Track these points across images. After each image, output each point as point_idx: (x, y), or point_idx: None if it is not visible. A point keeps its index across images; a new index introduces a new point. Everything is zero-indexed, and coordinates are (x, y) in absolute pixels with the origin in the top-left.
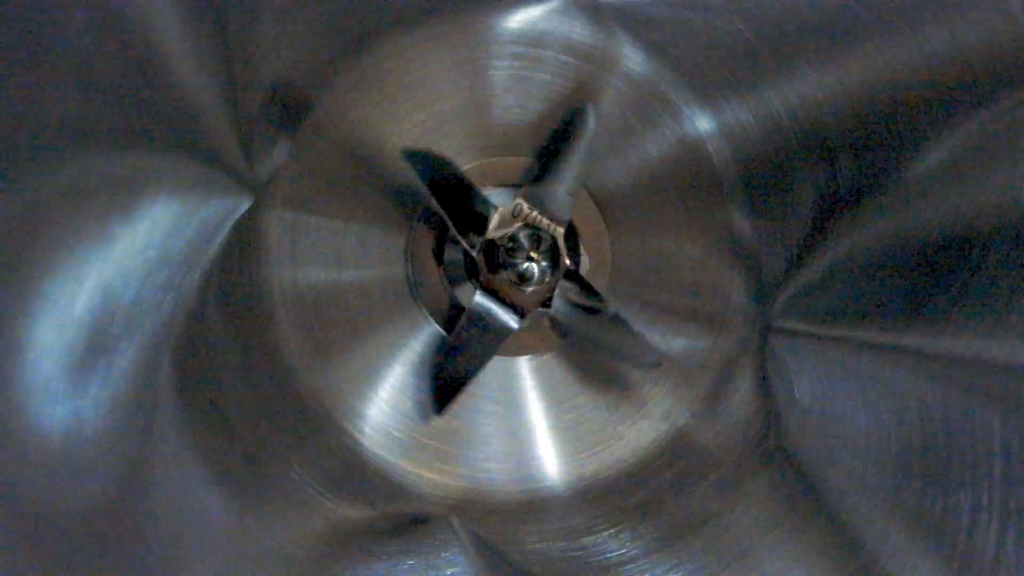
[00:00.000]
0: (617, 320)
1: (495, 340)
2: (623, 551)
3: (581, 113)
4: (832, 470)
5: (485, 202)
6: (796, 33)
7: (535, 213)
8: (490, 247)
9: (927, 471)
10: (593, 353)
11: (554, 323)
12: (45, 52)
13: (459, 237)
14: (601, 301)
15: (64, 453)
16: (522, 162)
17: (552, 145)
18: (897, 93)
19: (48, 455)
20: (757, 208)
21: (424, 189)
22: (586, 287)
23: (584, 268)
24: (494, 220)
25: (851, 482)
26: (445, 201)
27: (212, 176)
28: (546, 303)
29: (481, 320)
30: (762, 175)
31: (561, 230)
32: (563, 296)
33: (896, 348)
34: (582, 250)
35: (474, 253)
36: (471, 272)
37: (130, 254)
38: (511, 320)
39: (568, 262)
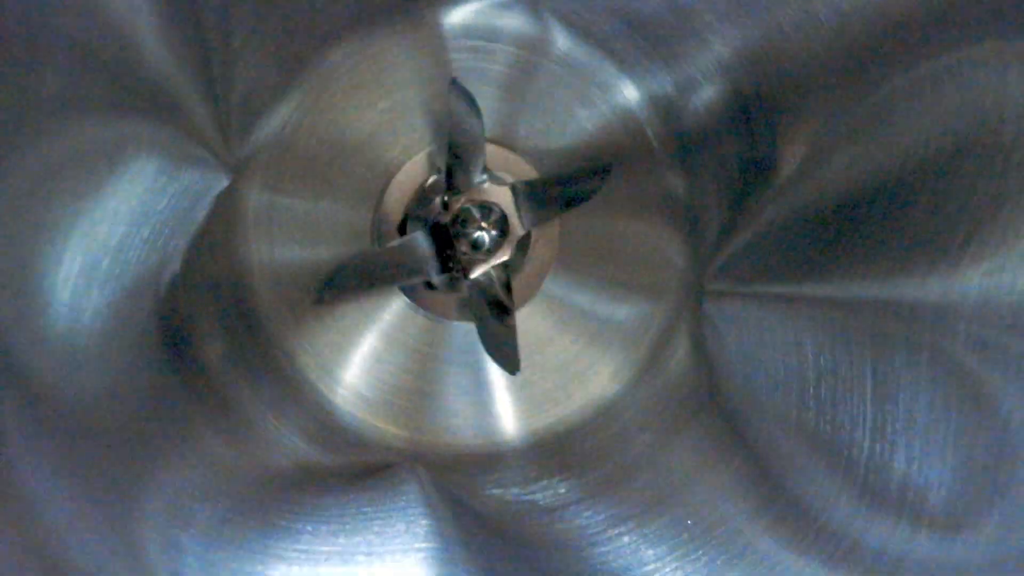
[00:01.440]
0: (561, 178)
1: (405, 269)
2: (570, 494)
3: (459, 91)
4: (751, 412)
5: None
6: (706, 7)
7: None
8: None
9: (819, 399)
10: (549, 310)
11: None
12: (44, 36)
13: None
14: (542, 182)
15: (66, 350)
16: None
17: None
18: (798, 60)
19: (54, 349)
20: (690, 177)
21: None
22: (529, 187)
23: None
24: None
25: (765, 419)
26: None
27: (190, 148)
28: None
29: (412, 248)
30: (691, 144)
31: (506, 192)
32: (483, 283)
33: (797, 299)
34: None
35: (447, 218)
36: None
37: (115, 203)
38: (432, 272)
39: (520, 228)
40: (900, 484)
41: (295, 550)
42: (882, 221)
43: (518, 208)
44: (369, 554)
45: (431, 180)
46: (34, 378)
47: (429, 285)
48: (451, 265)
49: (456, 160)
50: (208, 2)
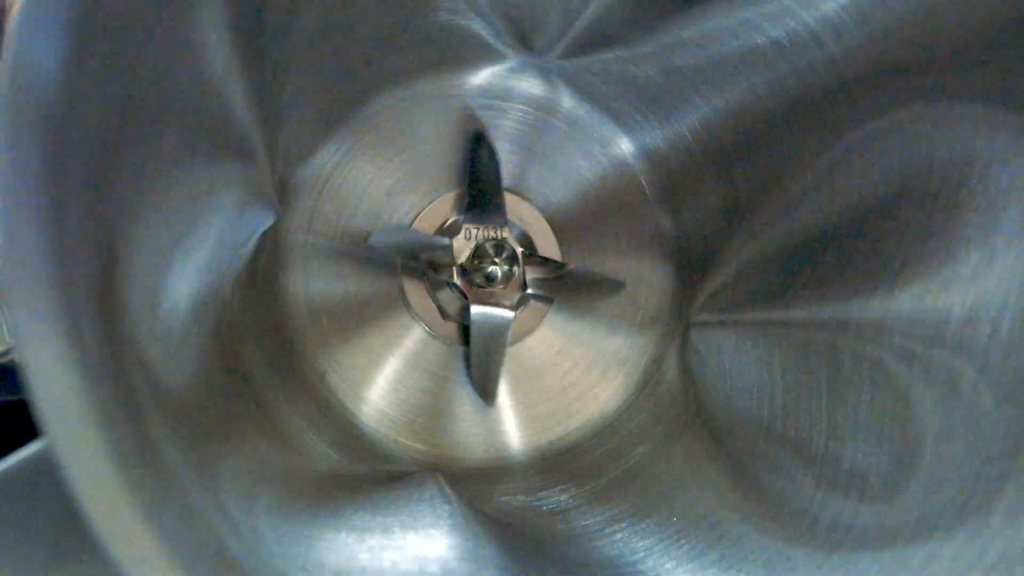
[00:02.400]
0: (579, 272)
1: (500, 334)
2: (571, 501)
3: (482, 141)
4: (731, 422)
5: (445, 244)
6: (691, 72)
7: (481, 231)
8: (463, 270)
9: (784, 407)
10: (548, 340)
11: (538, 298)
12: (166, 100)
13: (441, 280)
14: (561, 266)
15: (165, 343)
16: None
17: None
18: (768, 118)
19: (159, 341)
20: (678, 221)
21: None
22: (546, 261)
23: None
24: (456, 250)
25: (742, 428)
26: (415, 259)
27: (256, 190)
28: (524, 288)
29: (484, 325)
30: (679, 191)
31: (506, 232)
32: (535, 278)
33: (767, 324)
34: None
35: (456, 281)
36: (457, 290)
37: (205, 234)
38: (506, 313)
39: (521, 249)
40: (847, 471)
41: (342, 523)
42: (836, 255)
43: (524, 269)
44: (404, 528)
45: (450, 221)
46: (152, 366)
47: (445, 314)
48: (467, 296)
49: (477, 200)
50: (270, 63)
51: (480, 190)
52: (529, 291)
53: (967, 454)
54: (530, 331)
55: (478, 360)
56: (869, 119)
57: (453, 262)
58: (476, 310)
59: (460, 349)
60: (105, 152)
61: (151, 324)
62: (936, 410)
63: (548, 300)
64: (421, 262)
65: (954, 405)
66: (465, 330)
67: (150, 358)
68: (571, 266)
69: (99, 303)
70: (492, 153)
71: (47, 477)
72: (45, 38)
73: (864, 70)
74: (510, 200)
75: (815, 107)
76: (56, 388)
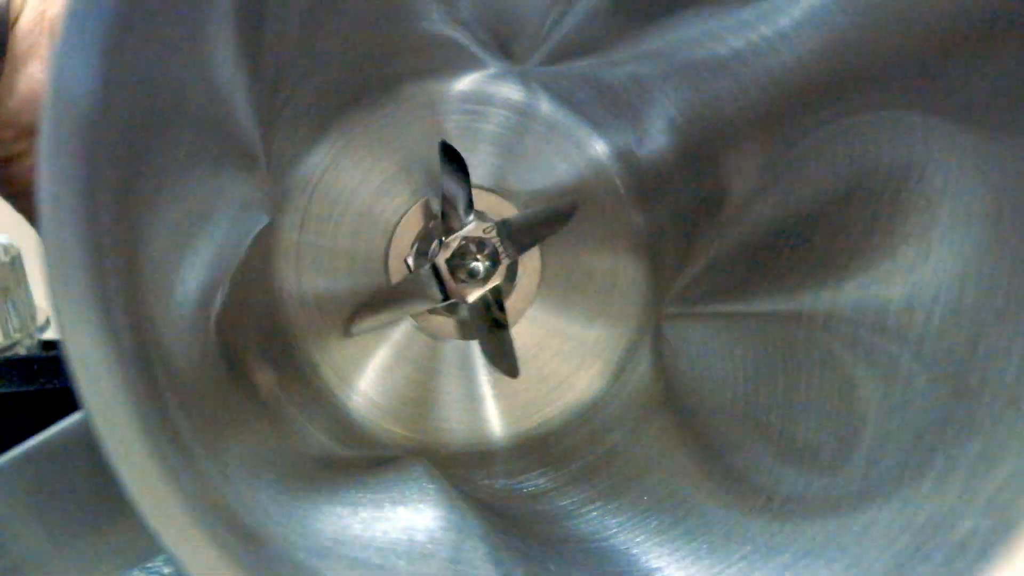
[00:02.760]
0: (504, 340)
1: (413, 298)
2: (549, 484)
3: (571, 209)
4: (699, 407)
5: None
6: (660, 79)
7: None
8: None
9: (747, 392)
10: (529, 329)
11: (460, 321)
12: (180, 108)
13: (438, 305)
14: (505, 323)
15: (176, 336)
16: (473, 191)
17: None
18: (729, 119)
19: (173, 332)
20: (650, 218)
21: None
22: (500, 306)
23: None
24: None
25: (709, 412)
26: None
27: (255, 194)
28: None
29: (418, 282)
30: (650, 190)
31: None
32: (480, 305)
33: (731, 315)
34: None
35: (447, 253)
36: (435, 273)
37: (211, 235)
38: (437, 300)
39: (506, 258)
40: (801, 447)
41: (336, 499)
42: (793, 250)
43: (502, 242)
44: (393, 502)
45: (433, 222)
46: (167, 352)
47: (431, 309)
48: (451, 292)
49: (448, 206)
50: (266, 73)
51: (449, 195)
52: (510, 259)
53: (903, 430)
54: (513, 323)
55: (490, 343)
56: (822, 124)
57: (428, 292)
58: (471, 297)
59: (445, 341)
60: (131, 160)
61: (166, 313)
62: (877, 390)
63: (517, 311)
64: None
65: (892, 385)
66: (459, 324)
67: (165, 345)
68: (524, 214)
69: (126, 293)
70: (458, 159)
71: (82, 449)
72: (82, 61)
73: (817, 80)
74: (491, 199)
75: (774, 113)
76: (94, 368)
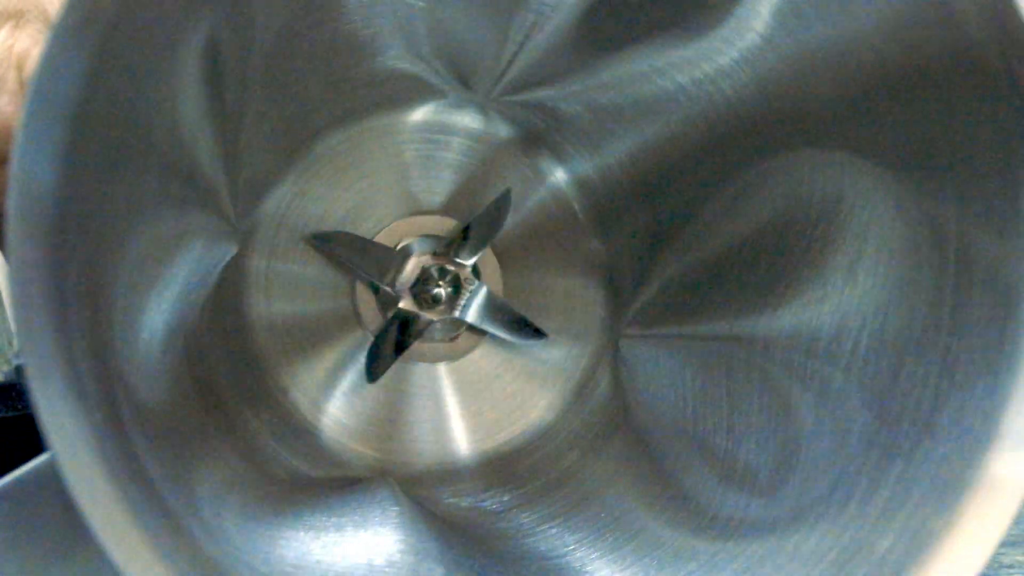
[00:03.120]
0: (513, 313)
1: (416, 329)
2: (512, 501)
3: (505, 198)
4: (653, 427)
5: (390, 252)
6: (613, 110)
7: (443, 258)
8: (413, 284)
9: (695, 413)
10: (493, 353)
11: (471, 327)
12: (147, 148)
13: (381, 285)
14: (500, 301)
15: (143, 372)
16: (435, 218)
17: (480, 217)
18: (680, 151)
19: (139, 371)
20: (608, 244)
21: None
22: (490, 296)
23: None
24: (409, 265)
25: (662, 431)
26: (357, 265)
27: (220, 227)
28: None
29: (402, 318)
30: (608, 217)
31: (467, 269)
32: (476, 308)
33: (681, 338)
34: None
35: (399, 295)
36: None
37: (176, 271)
38: (429, 315)
39: (469, 276)
40: (742, 469)
41: (300, 523)
42: (736, 278)
43: (457, 250)
44: (355, 526)
45: (401, 245)
46: (133, 389)
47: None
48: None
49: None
50: (230, 109)
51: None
52: (469, 320)
53: (833, 453)
54: (475, 345)
55: (510, 331)
56: (763, 159)
57: (394, 275)
58: (468, 314)
59: (413, 364)
60: (98, 205)
61: (132, 355)
62: (810, 414)
63: (480, 333)
64: (365, 268)
65: (824, 410)
66: (433, 346)
67: (131, 384)
68: (510, 305)
69: (91, 342)
70: (506, 210)
71: (51, 485)
72: (54, 105)
73: (756, 117)
74: (454, 225)
75: (720, 146)
76: (59, 414)
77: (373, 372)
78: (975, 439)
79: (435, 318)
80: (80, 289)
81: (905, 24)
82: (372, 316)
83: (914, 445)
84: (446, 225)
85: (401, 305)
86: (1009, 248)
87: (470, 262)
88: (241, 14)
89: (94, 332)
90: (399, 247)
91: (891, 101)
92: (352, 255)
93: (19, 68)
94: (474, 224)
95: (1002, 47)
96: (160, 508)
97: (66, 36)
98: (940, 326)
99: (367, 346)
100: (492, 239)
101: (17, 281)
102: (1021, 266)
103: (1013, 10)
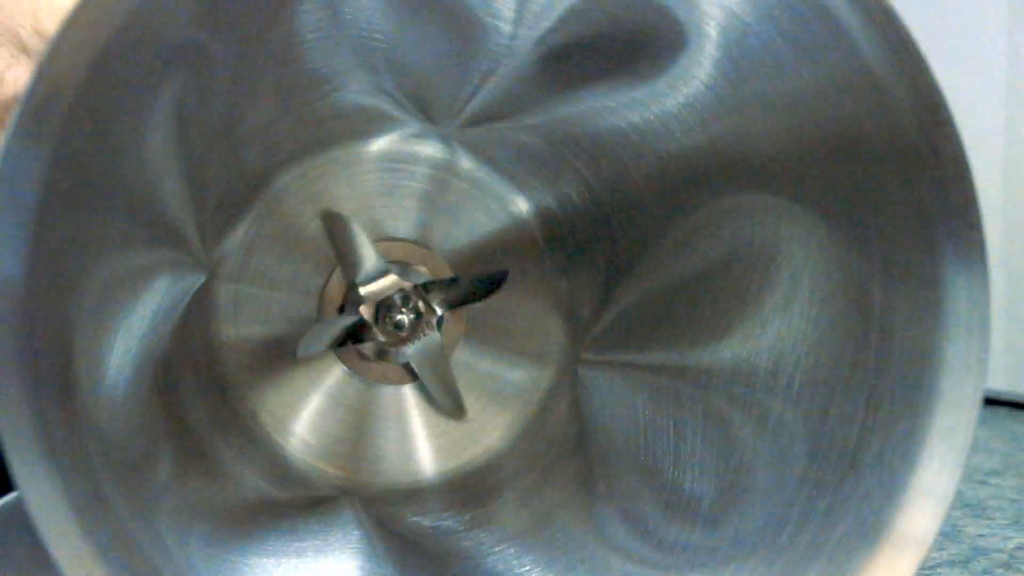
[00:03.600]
0: (468, 277)
1: (440, 355)
2: (472, 521)
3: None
4: (607, 452)
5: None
6: (571, 143)
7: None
8: (376, 307)
9: (645, 441)
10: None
11: (405, 367)
12: (113, 192)
13: (356, 283)
14: (454, 279)
15: (110, 405)
16: (401, 245)
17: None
18: (634, 187)
19: (106, 405)
20: (568, 272)
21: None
22: (437, 283)
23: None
24: (384, 283)
25: (614, 458)
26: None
27: (187, 261)
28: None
29: (424, 359)
30: (568, 246)
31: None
32: (425, 359)
33: (632, 366)
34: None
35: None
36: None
37: (144, 306)
38: (434, 336)
39: (412, 284)
40: (687, 497)
41: (264, 549)
42: (685, 309)
43: (432, 297)
44: (316, 551)
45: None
46: (100, 426)
47: (363, 356)
48: (380, 340)
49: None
50: (195, 149)
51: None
52: (409, 359)
53: (770, 485)
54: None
55: (435, 387)
56: (711, 199)
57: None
58: (410, 349)
59: (378, 386)
60: (67, 249)
61: (100, 392)
62: (749, 443)
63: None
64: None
65: (762, 440)
66: (398, 369)
67: (99, 421)
68: (459, 276)
69: (58, 387)
70: (497, 288)
71: (19, 522)
72: (31, 149)
73: (704, 159)
74: (417, 251)
75: (670, 185)
76: (27, 461)
77: (302, 346)
78: (895, 480)
79: (383, 339)
80: (48, 339)
81: (835, 90)
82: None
83: (840, 480)
84: (413, 252)
85: (362, 311)
86: (924, 301)
87: (439, 312)
88: (203, 66)
89: (62, 377)
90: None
91: (821, 157)
92: (349, 248)
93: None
94: (463, 282)
95: (922, 121)
96: (124, 543)
97: (32, 114)
98: (866, 367)
99: (333, 368)
100: (471, 304)
101: None
102: (934, 319)
103: (934, 86)
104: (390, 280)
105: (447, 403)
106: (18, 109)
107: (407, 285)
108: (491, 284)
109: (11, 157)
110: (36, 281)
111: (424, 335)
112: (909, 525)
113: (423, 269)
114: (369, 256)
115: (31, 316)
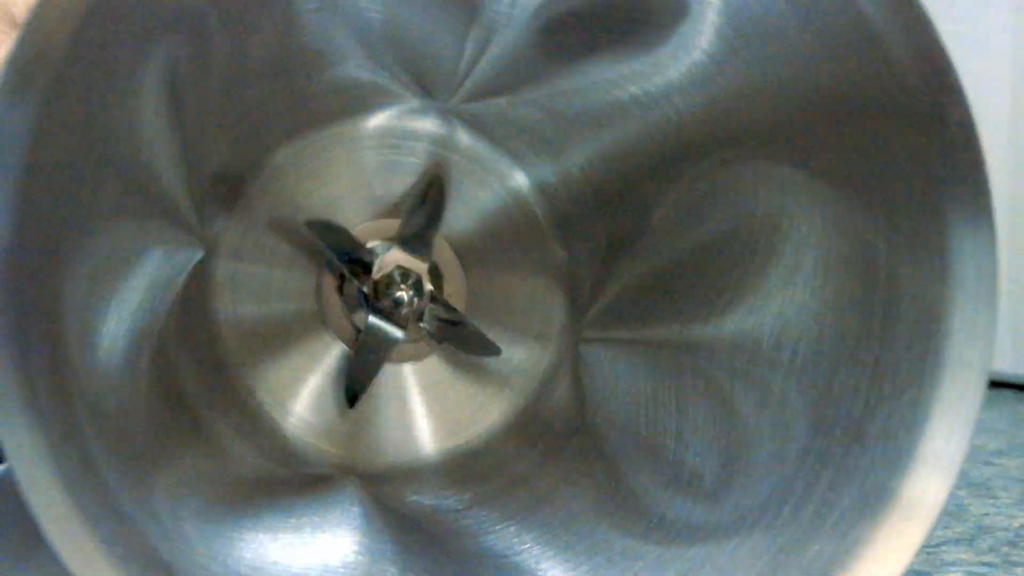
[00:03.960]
0: (470, 329)
1: (386, 348)
2: (472, 499)
3: (436, 183)
4: (608, 429)
5: (371, 253)
6: (572, 117)
7: (404, 256)
8: (376, 284)
9: (647, 416)
10: (457, 353)
11: (430, 335)
12: (102, 162)
13: (354, 280)
14: (459, 315)
15: (105, 378)
16: (397, 221)
17: (416, 208)
18: (636, 161)
19: (100, 377)
20: (569, 248)
21: (325, 247)
22: (448, 307)
23: (446, 297)
24: (376, 266)
25: (616, 434)
26: (340, 256)
27: (182, 235)
28: (420, 319)
29: (375, 334)
30: (569, 222)
31: (424, 267)
32: (433, 316)
33: (634, 342)
34: (444, 282)
35: (365, 290)
36: (364, 302)
37: (138, 280)
38: (397, 332)
39: (430, 288)
40: (689, 472)
41: (260, 524)
42: (687, 284)
43: (412, 251)
44: (313, 527)
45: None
46: (92, 398)
47: (358, 332)
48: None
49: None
50: (190, 120)
51: (418, 223)
52: (422, 325)
53: (773, 459)
54: (437, 347)
55: (356, 364)
56: (714, 171)
57: (370, 274)
58: (373, 320)
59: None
60: (57, 215)
61: (92, 364)
62: (752, 418)
63: (435, 339)
64: (342, 263)
65: (765, 414)
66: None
67: (93, 392)
68: (467, 320)
69: (48, 357)
70: (442, 195)
71: (9, 494)
72: (19, 109)
73: (707, 130)
74: None
75: (673, 157)
76: (15, 430)
77: (351, 400)
78: (900, 451)
79: (400, 336)
80: (37, 307)
81: (839, 54)
82: (337, 317)
83: (845, 452)
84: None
85: (370, 320)
86: (931, 269)
87: (426, 259)
88: (199, 34)
89: (51, 347)
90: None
91: (825, 123)
92: (341, 249)
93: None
94: (466, 329)
95: (929, 84)
96: (116, 515)
97: (17, 73)
98: (871, 338)
99: (332, 347)
100: (437, 228)
101: None
102: (942, 286)
103: (940, 48)
104: (376, 263)
105: (353, 388)
106: (5, 67)
107: (427, 281)
108: (436, 199)
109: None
110: (24, 243)
111: (396, 323)
112: (916, 494)
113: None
114: (363, 253)
115: (19, 279)
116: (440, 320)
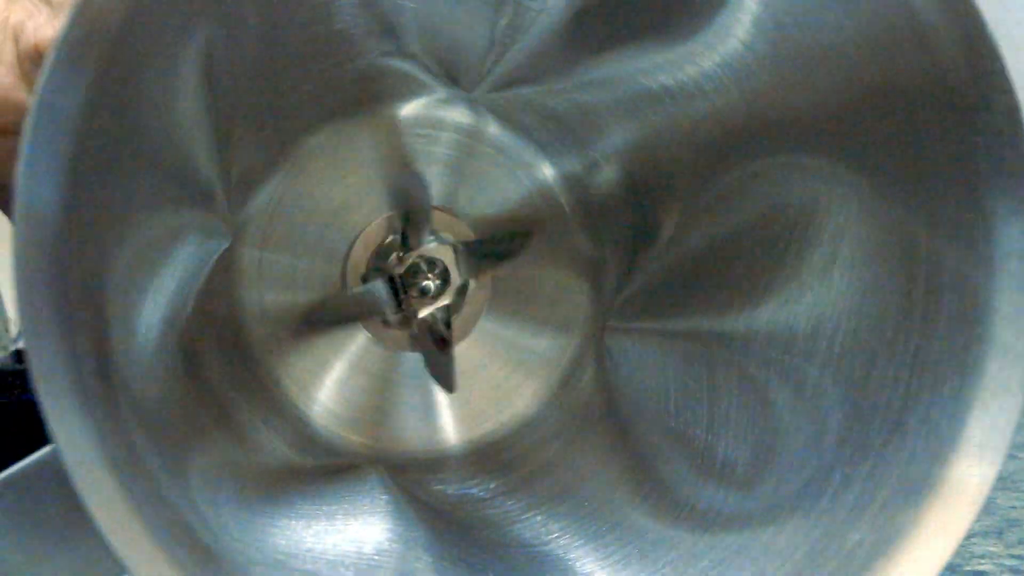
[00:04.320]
0: (450, 353)
1: (366, 309)
2: (498, 488)
3: (527, 240)
4: (635, 418)
5: (431, 235)
6: (600, 107)
7: (451, 257)
8: (411, 266)
9: (677, 406)
10: (482, 343)
11: (413, 331)
12: (140, 154)
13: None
14: (450, 337)
15: (140, 365)
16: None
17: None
18: (665, 152)
19: (137, 364)
20: (594, 239)
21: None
22: (448, 326)
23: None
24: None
25: (644, 423)
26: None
27: (214, 223)
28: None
29: (372, 293)
30: (595, 212)
31: (459, 279)
32: (433, 321)
33: (663, 333)
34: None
35: (401, 270)
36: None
37: (172, 267)
38: (389, 312)
39: (449, 302)
40: (721, 462)
41: (293, 512)
42: (717, 275)
43: (457, 263)
44: (345, 515)
45: (388, 239)
46: (128, 381)
47: (386, 323)
48: (403, 307)
49: (408, 224)
50: (223, 105)
51: (411, 215)
52: (461, 282)
53: (808, 449)
54: (465, 334)
55: (433, 357)
56: (745, 162)
57: (381, 304)
58: (421, 316)
59: (401, 353)
60: (99, 203)
61: (130, 350)
62: (786, 409)
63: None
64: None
65: (800, 405)
66: (412, 337)
67: (129, 379)
68: (481, 237)
69: (92, 340)
70: (420, 181)
71: (54, 476)
72: (65, 101)
73: (740, 120)
74: (442, 218)
75: (703, 149)
76: (63, 411)
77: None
78: (942, 439)
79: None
80: (82, 290)
81: (880, 41)
82: None
83: (885, 443)
84: (438, 219)
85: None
86: (975, 257)
87: (460, 280)
88: (235, 17)
89: (95, 330)
90: (388, 240)
91: (865, 113)
92: (347, 315)
93: (14, 40)
94: (487, 244)
95: (974, 71)
96: (158, 499)
97: (70, 50)
98: (911, 328)
99: (357, 336)
100: (497, 268)
101: (22, 284)
102: (986, 274)
103: (985, 35)
104: (430, 246)
105: (440, 375)
106: (57, 44)
107: (441, 250)
108: (515, 244)
109: (52, 85)
110: (71, 224)
111: (437, 301)
112: (960, 481)
113: (448, 236)
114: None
115: (66, 259)
116: (432, 329)
